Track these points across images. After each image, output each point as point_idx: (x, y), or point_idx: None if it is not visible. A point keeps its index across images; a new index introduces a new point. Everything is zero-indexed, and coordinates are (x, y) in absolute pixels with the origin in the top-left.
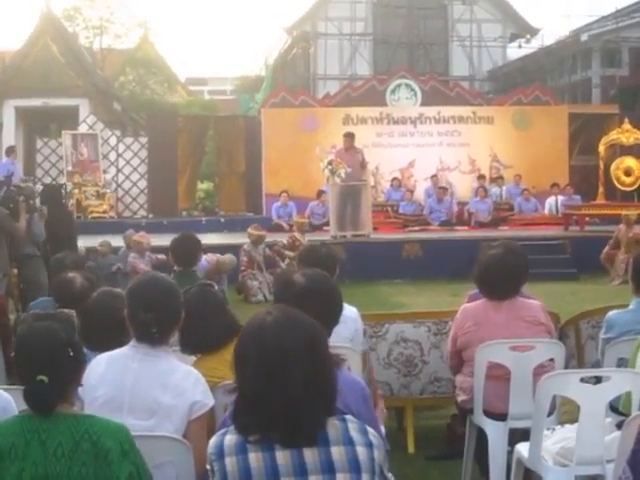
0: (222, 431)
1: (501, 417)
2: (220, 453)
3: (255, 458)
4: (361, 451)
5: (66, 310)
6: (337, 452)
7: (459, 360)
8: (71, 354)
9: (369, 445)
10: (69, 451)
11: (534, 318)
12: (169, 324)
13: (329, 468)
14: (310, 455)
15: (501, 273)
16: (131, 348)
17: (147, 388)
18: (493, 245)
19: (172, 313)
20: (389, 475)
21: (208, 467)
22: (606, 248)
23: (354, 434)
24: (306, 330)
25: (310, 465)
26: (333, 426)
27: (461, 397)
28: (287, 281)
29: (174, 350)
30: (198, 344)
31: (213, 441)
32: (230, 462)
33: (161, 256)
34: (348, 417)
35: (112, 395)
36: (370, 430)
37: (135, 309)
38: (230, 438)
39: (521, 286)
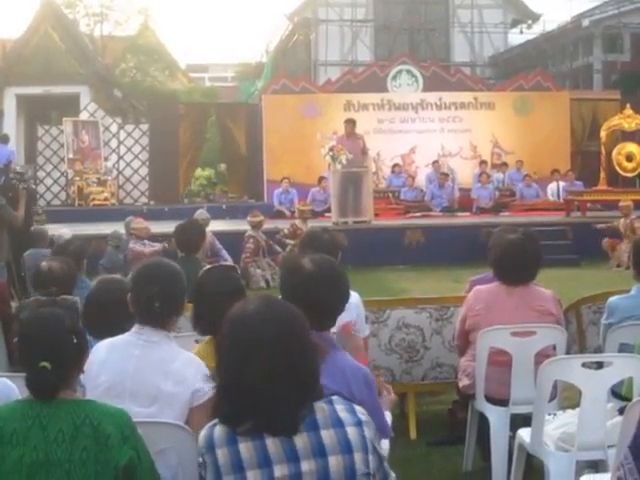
0: (212, 423)
1: (503, 403)
2: (210, 445)
3: (246, 448)
4: (351, 431)
5: (69, 297)
6: (327, 435)
7: (466, 341)
8: (75, 341)
9: (358, 424)
10: (70, 436)
11: (544, 308)
12: (172, 303)
13: (320, 452)
14: (300, 441)
15: (519, 258)
16: (133, 334)
17: (149, 375)
18: (511, 230)
19: (176, 292)
20: (379, 447)
21: (199, 460)
22: (602, 227)
23: (342, 415)
24: (283, 318)
25: (301, 450)
26: (321, 410)
27: (463, 382)
28: (294, 266)
29: (176, 336)
30: (214, 324)
31: (203, 434)
32: (221, 453)
33: (158, 246)
34: (335, 398)
35: (114, 382)
36: (358, 408)
37: (141, 286)
38: (220, 430)
39: (536, 273)
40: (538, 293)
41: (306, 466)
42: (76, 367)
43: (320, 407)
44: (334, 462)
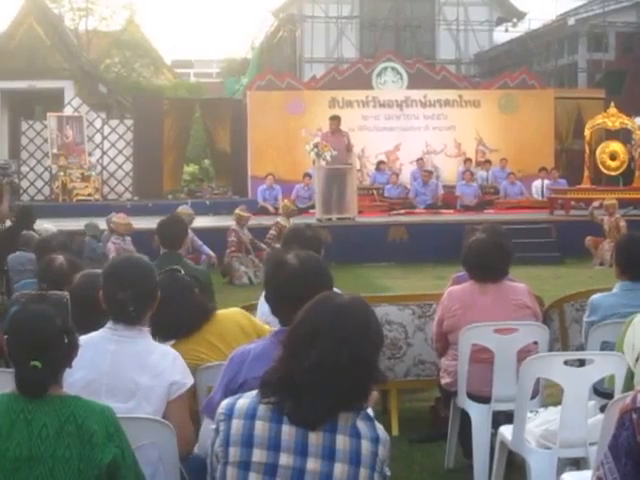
0: (237, 395)
1: (485, 400)
2: (230, 414)
3: (261, 427)
4: (365, 445)
5: (58, 292)
6: (341, 442)
7: (445, 343)
8: (66, 341)
9: (375, 440)
10: (54, 433)
11: (520, 301)
12: (146, 302)
13: (329, 455)
14: (314, 438)
15: (488, 256)
16: (107, 330)
17: (125, 370)
18: (479, 228)
19: (148, 291)
20: (386, 470)
21: (213, 427)
22: (596, 205)
23: (361, 426)
24: (366, 319)
25: (312, 447)
26: (344, 416)
27: (445, 380)
28: (279, 262)
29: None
30: (170, 329)
31: (226, 402)
32: (236, 425)
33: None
34: (362, 411)
35: (90, 379)
36: (378, 425)
37: (111, 288)
38: (243, 402)
39: (507, 269)
40: (512, 288)
41: (312, 464)
42: (66, 364)
43: (345, 414)
44: (339, 469)
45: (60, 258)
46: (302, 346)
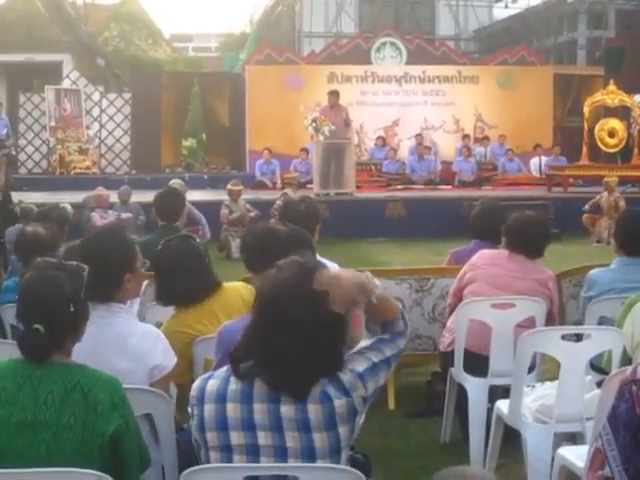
0: (206, 375)
1: (483, 359)
2: (201, 398)
3: (233, 409)
4: (338, 404)
5: (78, 263)
6: (313, 410)
7: (459, 299)
8: (72, 309)
9: (345, 393)
10: (59, 400)
11: (541, 280)
12: (110, 280)
13: (305, 427)
14: (287, 411)
15: (537, 234)
16: None
17: (105, 354)
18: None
19: (120, 266)
20: (363, 391)
21: (189, 410)
22: (586, 209)
23: (330, 390)
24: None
25: (286, 422)
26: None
27: (446, 339)
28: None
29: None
30: (178, 296)
31: (196, 384)
32: (208, 409)
33: (126, 215)
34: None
35: None
36: (342, 376)
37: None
38: (212, 384)
39: (543, 250)
40: (540, 269)
41: (290, 438)
42: (71, 333)
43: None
44: (318, 438)
45: (37, 228)
46: (271, 321)
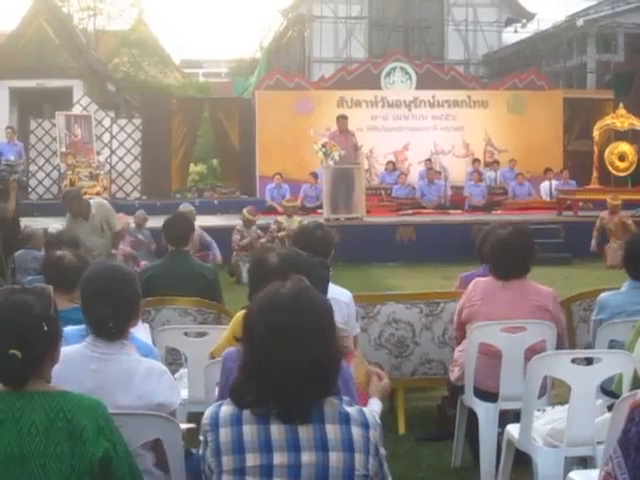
0: (218, 403)
1: (490, 395)
2: (215, 424)
3: (249, 430)
4: (356, 431)
5: (41, 284)
6: (332, 430)
7: (463, 332)
8: (45, 328)
9: (364, 425)
10: (44, 430)
11: (540, 303)
12: (126, 316)
13: (322, 446)
14: (305, 431)
15: (507, 253)
16: (87, 346)
17: (109, 391)
18: (503, 226)
19: (129, 304)
20: (382, 450)
21: (201, 438)
22: (593, 241)
23: (350, 412)
24: (315, 307)
25: (303, 442)
26: (330, 404)
27: (454, 374)
28: (259, 260)
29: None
30: None
31: (209, 412)
32: (224, 433)
33: (140, 236)
34: (345, 397)
35: None
36: (366, 409)
37: (90, 305)
38: (226, 409)
39: (528, 267)
40: (535, 288)
41: (306, 458)
42: (48, 356)
43: (330, 401)
44: (334, 458)
45: (68, 255)
46: (265, 348)
